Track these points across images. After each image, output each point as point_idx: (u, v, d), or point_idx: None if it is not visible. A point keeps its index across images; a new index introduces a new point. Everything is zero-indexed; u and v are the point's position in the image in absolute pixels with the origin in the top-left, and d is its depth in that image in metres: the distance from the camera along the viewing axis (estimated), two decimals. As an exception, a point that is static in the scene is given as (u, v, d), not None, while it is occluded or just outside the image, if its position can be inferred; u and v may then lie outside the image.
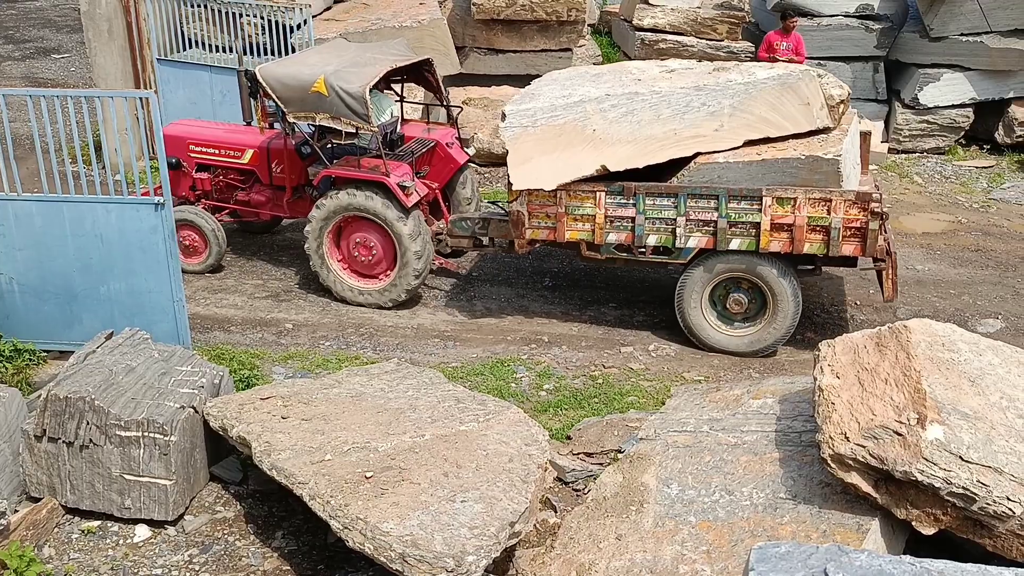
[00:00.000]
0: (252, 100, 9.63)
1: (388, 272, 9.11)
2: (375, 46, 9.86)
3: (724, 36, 13.57)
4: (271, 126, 9.65)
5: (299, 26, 11.62)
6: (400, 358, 7.79)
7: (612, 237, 8.27)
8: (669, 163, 8.13)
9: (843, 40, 13.26)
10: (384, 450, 5.50)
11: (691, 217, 8.01)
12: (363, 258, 9.11)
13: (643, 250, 8.29)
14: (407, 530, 4.80)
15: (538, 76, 9.73)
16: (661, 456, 5.81)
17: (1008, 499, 4.43)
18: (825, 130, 8.24)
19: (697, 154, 8.06)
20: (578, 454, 6.64)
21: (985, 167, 13.15)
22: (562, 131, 8.07)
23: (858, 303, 9.46)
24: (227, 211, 10.03)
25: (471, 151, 10.40)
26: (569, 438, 6.98)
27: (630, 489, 5.61)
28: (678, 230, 8.06)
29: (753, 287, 8.27)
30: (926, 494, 4.59)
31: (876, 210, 7.67)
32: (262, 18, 11.67)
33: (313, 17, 11.94)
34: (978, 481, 4.47)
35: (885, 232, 7.95)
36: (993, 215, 11.71)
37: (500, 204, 9.72)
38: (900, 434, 4.69)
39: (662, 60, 10.04)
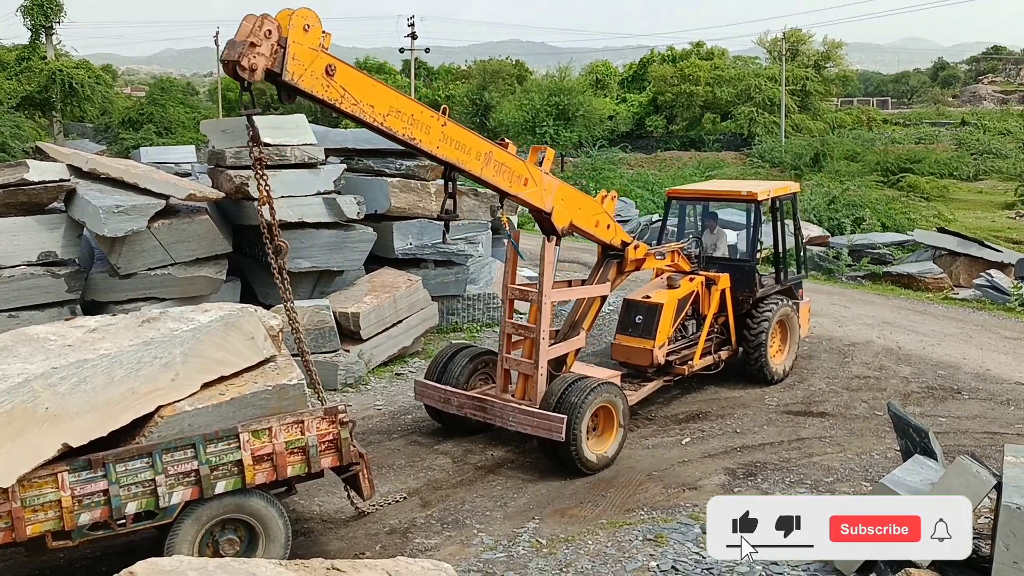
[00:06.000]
0: None
1: None
2: None
3: None
4: None
5: None
6: None
7: (85, 517, 7.33)
8: (136, 424, 7.59)
9: (31, 289, 12.68)
10: None
11: (171, 472, 7.55)
12: None
13: (123, 521, 7.48)
14: None
15: None
16: None
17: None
18: (272, 358, 8.41)
19: (160, 407, 7.69)
20: None
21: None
22: (11, 418, 7.06)
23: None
24: None
25: None
26: None
27: None
28: (159, 489, 7.52)
29: (240, 523, 7.90)
30: None
31: (344, 420, 8.03)
32: None
33: None
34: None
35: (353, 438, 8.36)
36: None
37: None
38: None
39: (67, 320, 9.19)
